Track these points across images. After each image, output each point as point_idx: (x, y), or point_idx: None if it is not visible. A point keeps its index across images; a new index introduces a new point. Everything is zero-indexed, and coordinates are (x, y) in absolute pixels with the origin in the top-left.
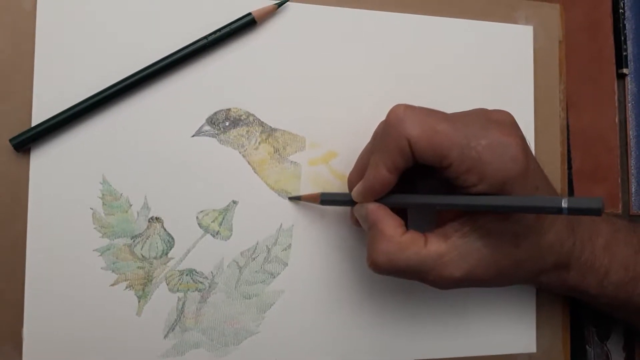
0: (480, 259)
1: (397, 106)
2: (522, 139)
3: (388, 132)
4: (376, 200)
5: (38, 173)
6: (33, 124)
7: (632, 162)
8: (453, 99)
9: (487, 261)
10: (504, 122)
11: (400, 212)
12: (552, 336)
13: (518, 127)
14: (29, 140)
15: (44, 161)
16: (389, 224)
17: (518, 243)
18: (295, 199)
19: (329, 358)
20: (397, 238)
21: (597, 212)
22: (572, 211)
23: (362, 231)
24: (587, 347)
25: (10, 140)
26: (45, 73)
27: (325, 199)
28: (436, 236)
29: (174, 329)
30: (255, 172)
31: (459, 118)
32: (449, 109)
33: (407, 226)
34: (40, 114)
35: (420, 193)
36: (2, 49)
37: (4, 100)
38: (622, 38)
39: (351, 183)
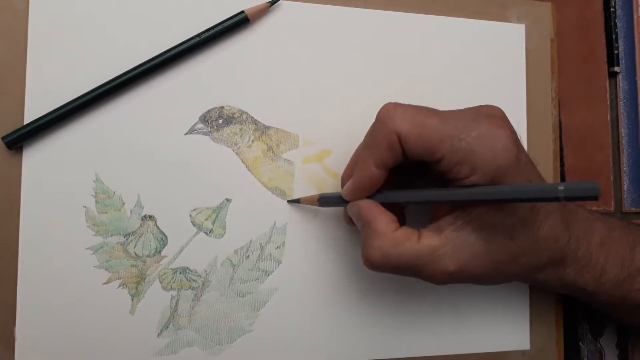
0: (474, 252)
1: (387, 104)
2: (513, 131)
3: (378, 128)
4: (368, 198)
5: (31, 171)
6: (25, 122)
7: (624, 159)
8: (446, 97)
9: (481, 254)
10: (494, 115)
11: (398, 211)
12: (546, 333)
13: (508, 120)
14: (22, 138)
15: (37, 159)
16: (382, 220)
17: (512, 236)
18: (294, 201)
19: (323, 356)
20: (390, 234)
21: (593, 196)
22: (568, 197)
23: (356, 229)
24: (580, 344)
25: (3, 138)
26: (37, 71)
27: (324, 200)
28: (430, 231)
29: (167, 327)
30: (248, 170)
31: (448, 113)
32: (442, 107)
33: (405, 224)
34: (32, 112)
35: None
36: None
37: None
38: (614, 36)
39: (344, 182)
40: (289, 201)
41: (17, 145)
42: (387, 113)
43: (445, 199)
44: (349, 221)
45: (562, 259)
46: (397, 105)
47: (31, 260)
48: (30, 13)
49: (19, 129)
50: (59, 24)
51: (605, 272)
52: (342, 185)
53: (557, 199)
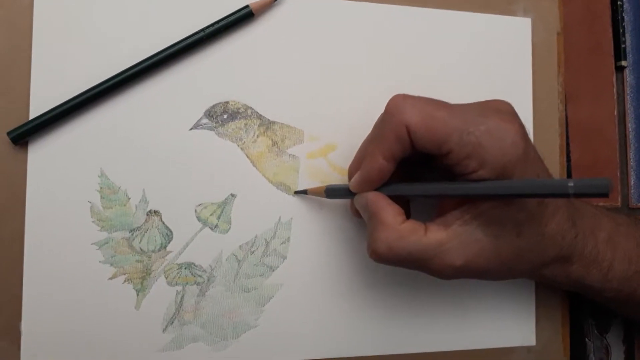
0: (481, 248)
1: (396, 96)
2: (522, 126)
3: (387, 120)
4: (376, 190)
5: (36, 166)
6: (30, 118)
7: (631, 154)
8: (451, 92)
9: (488, 250)
10: (503, 109)
11: (403, 205)
12: (552, 329)
13: (517, 115)
14: (27, 133)
15: (42, 154)
16: (389, 213)
17: (519, 231)
18: (301, 192)
19: (328, 351)
20: (397, 226)
21: (604, 193)
22: (578, 194)
23: (361, 224)
24: (586, 340)
25: (8, 134)
26: (42, 66)
27: (331, 192)
28: (437, 225)
29: (172, 322)
30: (253, 165)
31: (457, 106)
32: (448, 102)
33: (410, 217)
34: (37, 108)
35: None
36: (0, 43)
37: (1, 94)
38: (621, 30)
39: (351, 174)
40: (296, 192)
41: (23, 140)
42: (396, 105)
43: (454, 193)
44: (356, 213)
45: (569, 256)
46: (406, 97)
47: (37, 255)
48: (34, 9)
49: (24, 124)
50: (63, 20)
51: (612, 268)
52: (349, 178)
53: (566, 195)
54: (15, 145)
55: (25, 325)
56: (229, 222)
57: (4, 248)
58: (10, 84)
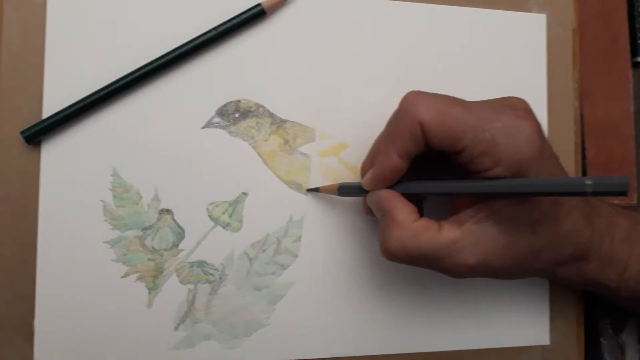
0: (495, 246)
1: (410, 92)
2: (537, 123)
3: (400, 117)
4: (389, 188)
5: (49, 165)
6: (44, 117)
7: None
8: (465, 89)
9: (502, 248)
10: (519, 107)
11: (416, 204)
12: (566, 328)
13: (533, 112)
14: (40, 132)
15: (55, 154)
16: (402, 211)
17: (534, 230)
18: (313, 190)
19: (340, 350)
20: (410, 224)
21: (622, 192)
22: (596, 192)
23: (373, 222)
24: (601, 339)
25: (22, 133)
26: (55, 65)
27: (344, 190)
28: (450, 223)
29: (184, 320)
30: (265, 164)
31: (472, 103)
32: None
33: (423, 216)
34: (51, 107)
35: None
36: (13, 42)
37: (15, 93)
38: (637, 26)
39: (364, 172)
40: (309, 190)
41: (36, 139)
42: (410, 101)
43: (468, 191)
44: (369, 212)
45: (585, 255)
46: (419, 93)
47: (49, 253)
48: (48, 7)
49: (37, 124)
50: (77, 18)
51: (628, 267)
52: (362, 175)
53: (584, 194)
54: (28, 145)
55: (38, 323)
56: (241, 221)
57: (17, 247)
58: (24, 84)
